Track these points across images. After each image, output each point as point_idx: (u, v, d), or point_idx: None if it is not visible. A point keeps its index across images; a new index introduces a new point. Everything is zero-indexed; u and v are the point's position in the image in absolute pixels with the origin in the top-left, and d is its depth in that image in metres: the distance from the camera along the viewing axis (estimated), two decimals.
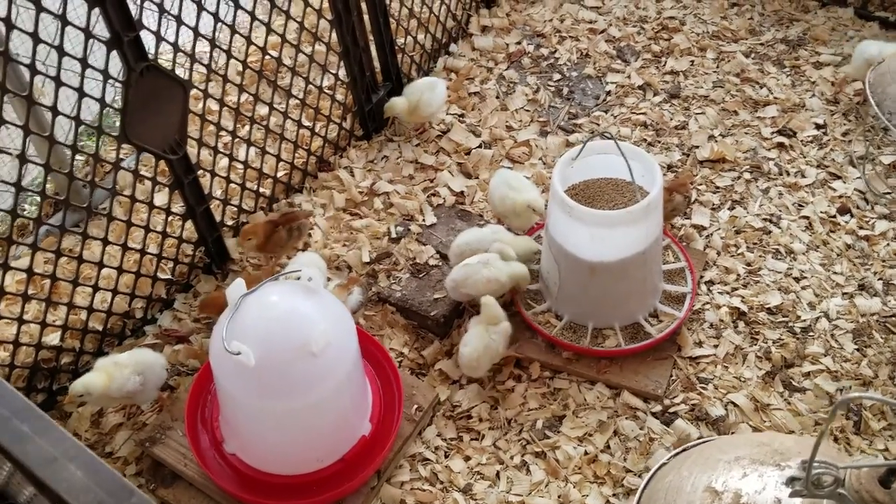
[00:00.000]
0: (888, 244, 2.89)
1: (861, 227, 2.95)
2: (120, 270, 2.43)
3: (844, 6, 3.82)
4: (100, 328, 2.47)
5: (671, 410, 2.45)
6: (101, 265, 2.37)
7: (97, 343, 2.52)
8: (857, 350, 2.58)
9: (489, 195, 2.83)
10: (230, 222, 2.79)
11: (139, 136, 2.21)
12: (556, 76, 3.52)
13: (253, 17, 2.66)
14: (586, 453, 2.37)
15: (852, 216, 2.98)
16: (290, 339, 1.94)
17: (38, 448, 1.08)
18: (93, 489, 1.03)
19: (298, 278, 2.05)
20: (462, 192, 3.04)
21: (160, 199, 2.68)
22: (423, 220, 2.94)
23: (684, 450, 1.66)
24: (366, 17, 2.97)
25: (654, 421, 2.43)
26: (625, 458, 2.36)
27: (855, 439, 2.38)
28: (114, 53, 2.11)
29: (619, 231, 2.32)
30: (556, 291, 2.55)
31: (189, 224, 2.61)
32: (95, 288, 2.39)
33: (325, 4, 2.86)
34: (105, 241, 2.35)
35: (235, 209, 2.80)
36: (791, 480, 1.19)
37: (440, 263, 2.79)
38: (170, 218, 2.53)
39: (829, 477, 1.14)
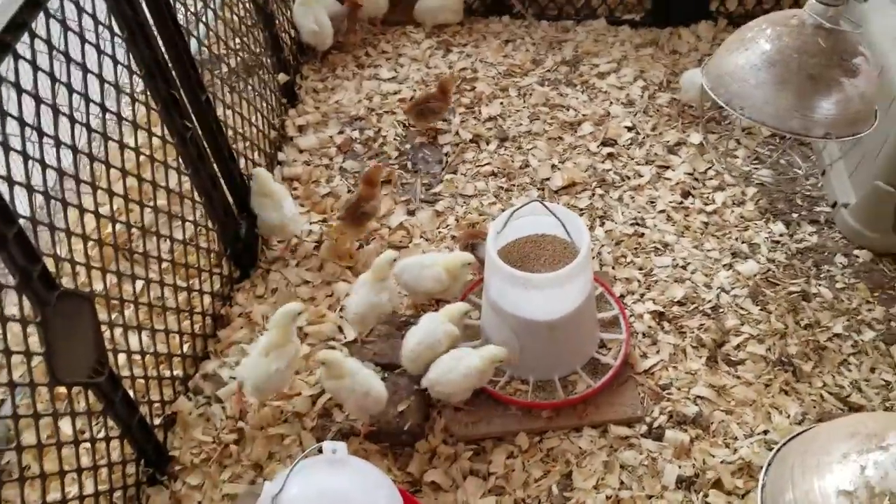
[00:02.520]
0: (732, 210, 3.31)
1: (706, 204, 3.34)
2: None
3: (595, 18, 4.28)
4: None
5: (655, 426, 2.61)
6: None
7: None
8: (762, 310, 2.93)
9: (414, 287, 2.78)
10: (158, 420, 2.47)
11: (70, 373, 1.90)
12: (394, 153, 3.55)
13: (94, 188, 2.36)
14: (607, 498, 2.45)
15: (693, 197, 3.37)
16: None
17: None
18: None
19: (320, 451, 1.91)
20: None
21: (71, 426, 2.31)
22: (346, 336, 2.82)
23: (769, 464, 1.80)
24: None
25: (648, 441, 2.57)
26: (642, 486, 2.47)
27: (800, 387, 2.71)
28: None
29: (568, 285, 2.42)
30: (517, 359, 2.60)
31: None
32: None
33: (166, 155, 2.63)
34: None
35: (158, 404, 2.49)
36: None
37: (385, 375, 2.71)
38: (111, 443, 2.19)
39: None
